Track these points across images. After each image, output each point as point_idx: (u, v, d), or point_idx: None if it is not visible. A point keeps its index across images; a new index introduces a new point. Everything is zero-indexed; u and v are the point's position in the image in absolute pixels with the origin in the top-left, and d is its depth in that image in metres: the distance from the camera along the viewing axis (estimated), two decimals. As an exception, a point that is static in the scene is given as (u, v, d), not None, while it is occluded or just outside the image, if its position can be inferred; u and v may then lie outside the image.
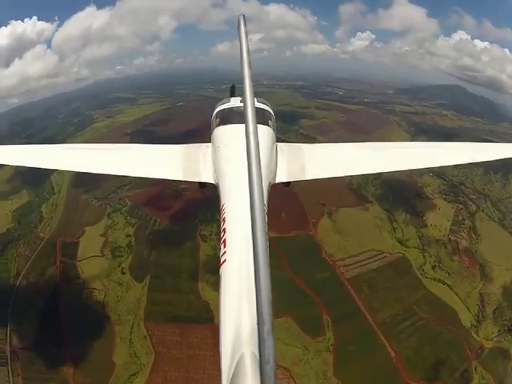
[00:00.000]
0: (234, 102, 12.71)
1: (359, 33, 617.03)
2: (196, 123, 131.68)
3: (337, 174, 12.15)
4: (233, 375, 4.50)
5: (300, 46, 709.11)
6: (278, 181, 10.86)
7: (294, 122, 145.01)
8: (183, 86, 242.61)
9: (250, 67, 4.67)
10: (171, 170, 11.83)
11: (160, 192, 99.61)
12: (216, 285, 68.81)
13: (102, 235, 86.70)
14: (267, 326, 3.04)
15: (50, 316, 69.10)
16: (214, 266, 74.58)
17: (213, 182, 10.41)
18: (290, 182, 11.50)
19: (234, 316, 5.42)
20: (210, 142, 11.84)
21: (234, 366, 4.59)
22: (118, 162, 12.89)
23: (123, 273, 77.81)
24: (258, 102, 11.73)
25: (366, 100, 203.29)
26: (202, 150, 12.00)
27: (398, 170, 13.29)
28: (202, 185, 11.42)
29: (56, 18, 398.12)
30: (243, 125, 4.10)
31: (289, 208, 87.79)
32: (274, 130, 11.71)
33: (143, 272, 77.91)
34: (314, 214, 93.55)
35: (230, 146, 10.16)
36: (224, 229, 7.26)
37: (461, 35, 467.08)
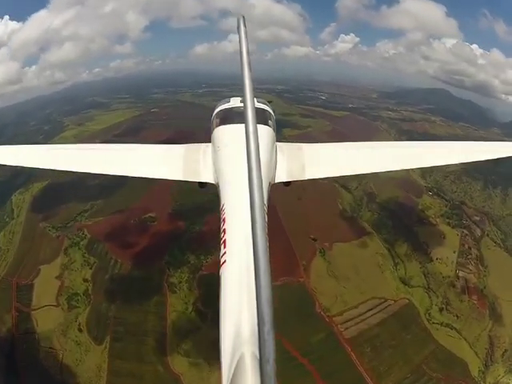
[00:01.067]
0: (234, 102, 12.15)
1: (343, 35, 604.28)
2: (167, 133, 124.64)
3: (336, 174, 12.19)
4: (233, 375, 4.37)
5: (281, 48, 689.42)
6: (277, 180, 10.60)
7: (276, 132, 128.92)
8: (160, 90, 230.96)
9: (250, 68, 4.53)
10: (171, 170, 11.43)
11: (123, 222, 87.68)
12: (188, 354, 60.82)
13: (57, 277, 73.71)
14: (267, 326, 2.94)
15: (11, 375, 59.56)
16: (184, 327, 64.50)
17: (213, 181, 10.17)
18: (289, 182, 11.13)
19: (234, 316, 5.29)
20: (210, 142, 11.45)
21: (234, 365, 4.45)
22: (118, 162, 12.30)
23: (80, 330, 64.73)
24: (257, 102, 11.53)
25: (350, 105, 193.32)
26: (202, 149, 11.60)
27: (397, 169, 12.86)
28: (201, 185, 11.10)
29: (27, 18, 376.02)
30: (243, 125, 4.01)
31: (274, 246, 73.24)
32: (273, 129, 11.50)
33: (102, 331, 64.49)
34: (305, 252, 79.55)
35: (230, 146, 9.97)
36: (224, 229, 7.09)
37: (449, 39, 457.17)
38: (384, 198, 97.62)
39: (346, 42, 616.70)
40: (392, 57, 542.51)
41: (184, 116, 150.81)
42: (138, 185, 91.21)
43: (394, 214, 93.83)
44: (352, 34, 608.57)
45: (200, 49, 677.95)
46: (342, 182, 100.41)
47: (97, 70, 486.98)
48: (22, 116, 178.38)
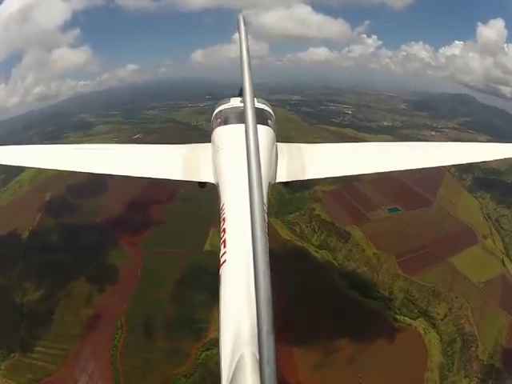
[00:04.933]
0: (234, 102, 11.21)
1: (364, 35, 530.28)
2: (139, 187, 76.19)
3: (336, 174, 11.33)
4: (233, 375, 4.07)
5: (296, 53, 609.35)
6: (277, 180, 9.68)
7: (302, 187, 77.17)
8: (157, 104, 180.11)
9: (250, 67, 4.35)
10: (172, 169, 10.52)
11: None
12: None
13: None
14: (267, 327, 2.75)
15: None
16: None
17: (213, 181, 9.28)
18: (289, 182, 10.13)
19: (233, 316, 4.90)
20: (209, 142, 10.54)
21: (233, 365, 4.14)
22: (119, 162, 11.38)
23: None
24: (257, 101, 10.61)
25: (385, 123, 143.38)
26: (202, 149, 10.71)
27: (398, 169, 11.62)
28: (202, 185, 10.11)
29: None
30: (243, 125, 3.82)
31: None
32: (273, 129, 10.43)
33: None
34: None
35: (230, 146, 9.21)
36: (224, 229, 6.52)
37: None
38: (485, 341, 51.92)
39: (367, 45, 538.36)
40: (416, 60, 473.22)
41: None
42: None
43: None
44: (374, 36, 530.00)
45: (205, 53, 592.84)
46: (424, 305, 56.37)
47: (98, 79, 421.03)
48: (5, 138, 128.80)
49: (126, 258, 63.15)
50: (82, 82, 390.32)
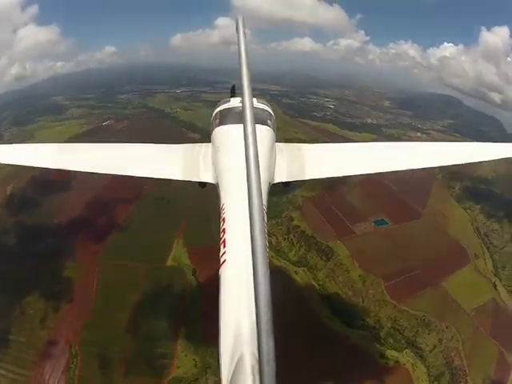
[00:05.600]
0: (234, 102, 10.99)
1: (356, 29, 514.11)
2: (106, 181, 67.10)
3: (336, 174, 10.97)
4: (232, 375, 4.02)
5: (280, 42, 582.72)
6: (277, 181, 9.42)
7: (280, 192, 62.86)
8: (132, 87, 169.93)
9: (249, 68, 4.34)
10: (171, 169, 10.22)
11: None
12: None
13: None
14: (267, 326, 2.73)
15: None
16: None
17: (213, 181, 9.09)
18: (289, 182, 9.95)
19: (233, 316, 4.83)
20: (209, 141, 10.43)
21: (233, 365, 4.09)
22: (119, 161, 11.04)
23: None
24: (257, 102, 10.73)
25: (369, 121, 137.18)
26: (202, 149, 10.56)
27: (398, 170, 11.01)
28: (202, 185, 9.93)
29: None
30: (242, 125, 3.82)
31: None
32: (273, 130, 10.35)
33: None
34: None
35: (230, 146, 9.10)
36: (224, 229, 6.45)
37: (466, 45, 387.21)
38: (475, 376, 46.86)
39: (353, 40, 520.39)
40: (398, 59, 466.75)
41: (140, 136, 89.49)
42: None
43: None
44: (362, 32, 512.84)
45: (185, 37, 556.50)
46: (412, 336, 50.35)
47: (76, 60, 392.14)
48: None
49: (83, 270, 55.13)
50: (59, 63, 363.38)
